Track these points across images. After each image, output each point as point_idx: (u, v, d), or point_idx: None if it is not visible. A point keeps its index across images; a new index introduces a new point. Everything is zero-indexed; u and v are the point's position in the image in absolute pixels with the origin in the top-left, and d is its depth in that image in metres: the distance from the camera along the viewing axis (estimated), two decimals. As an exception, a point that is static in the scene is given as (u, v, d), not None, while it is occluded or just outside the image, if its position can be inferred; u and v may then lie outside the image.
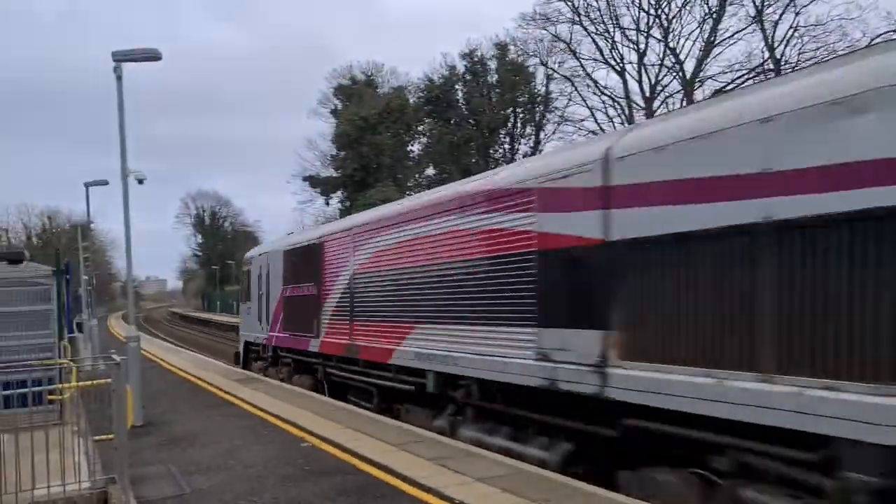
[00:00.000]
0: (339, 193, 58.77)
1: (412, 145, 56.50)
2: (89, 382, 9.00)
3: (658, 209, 6.97)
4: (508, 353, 9.26)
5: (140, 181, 21.71)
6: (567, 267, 8.24)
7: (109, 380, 8.40)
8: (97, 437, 9.17)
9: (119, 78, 13.25)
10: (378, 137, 51.67)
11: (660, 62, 42.18)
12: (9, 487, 7.50)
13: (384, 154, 51.96)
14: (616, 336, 7.48)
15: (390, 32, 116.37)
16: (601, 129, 44.34)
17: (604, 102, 44.94)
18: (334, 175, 58.08)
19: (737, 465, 6.38)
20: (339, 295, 15.02)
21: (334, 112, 59.58)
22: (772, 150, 5.92)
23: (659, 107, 42.65)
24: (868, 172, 5.21)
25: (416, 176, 55.87)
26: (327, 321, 15.60)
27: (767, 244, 5.92)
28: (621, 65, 43.58)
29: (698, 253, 6.55)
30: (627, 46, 43.37)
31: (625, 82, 43.41)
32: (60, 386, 10.12)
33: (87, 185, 31.85)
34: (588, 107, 45.46)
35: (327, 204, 61.50)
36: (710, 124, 6.58)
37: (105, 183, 30.64)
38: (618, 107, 44.30)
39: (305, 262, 17.24)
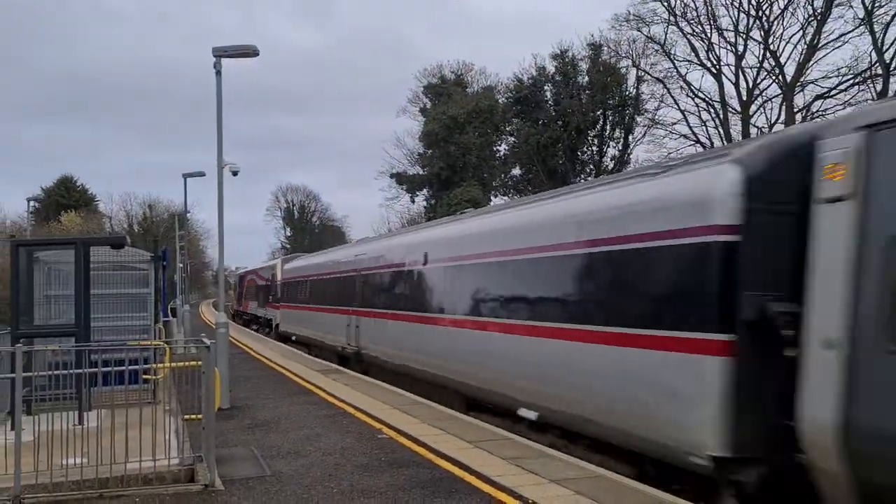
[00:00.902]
0: (424, 191, 59.35)
1: (499, 145, 56.45)
2: (182, 364, 9.37)
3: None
4: None
5: (234, 173, 22.56)
6: None
7: (200, 362, 8.76)
8: (186, 417, 9.58)
9: (218, 73, 13.79)
10: (465, 137, 51.84)
11: (759, 65, 40.70)
12: (104, 460, 7.90)
13: (471, 153, 52.09)
14: None
15: (470, 32, 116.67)
16: (693, 132, 43.21)
17: (697, 106, 43.71)
18: (421, 173, 58.66)
19: None
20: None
21: (423, 110, 60.16)
22: None
23: (756, 111, 41.25)
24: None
25: (502, 176, 55.78)
26: None
27: None
28: (717, 67, 42.29)
29: None
30: (725, 48, 42.07)
31: (720, 85, 42.11)
32: (156, 366, 10.58)
33: (185, 177, 33.28)
34: (680, 110, 44.32)
35: (412, 201, 62.25)
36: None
37: (202, 174, 31.94)
38: (712, 110, 43.05)
39: None
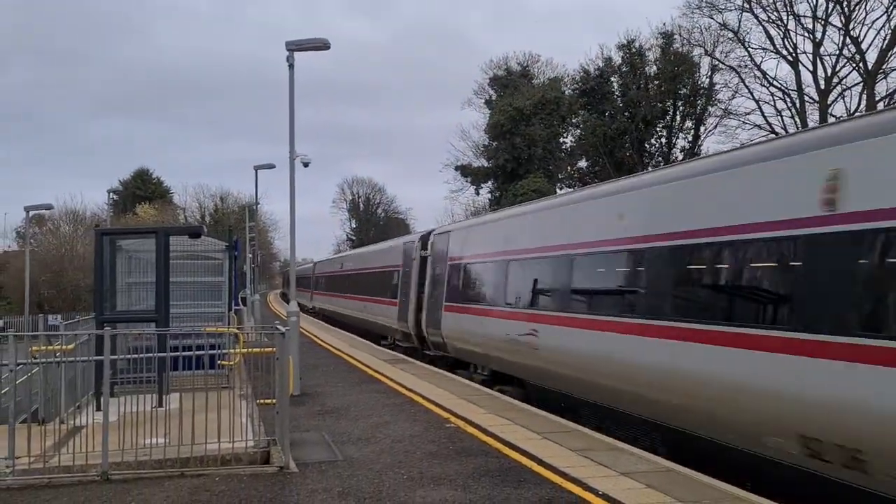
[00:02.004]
0: (489, 183, 59.25)
1: (565, 137, 55.90)
2: (257, 350, 9.64)
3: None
4: None
5: (306, 164, 23.01)
6: None
7: (274, 349, 9.00)
8: (260, 401, 9.85)
9: (291, 66, 14.06)
10: (531, 129, 51.47)
11: (838, 52, 39.21)
12: (184, 440, 8.21)
13: (537, 145, 51.71)
14: None
15: (526, 23, 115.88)
16: (768, 122, 41.92)
17: (772, 95, 42.41)
18: (486, 165, 58.56)
19: None
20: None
21: (488, 102, 60.00)
22: None
23: (835, 100, 39.75)
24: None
25: (568, 168, 55.25)
26: None
27: None
28: (794, 55, 40.92)
29: None
30: (802, 35, 40.68)
31: (797, 73, 40.73)
32: (231, 351, 10.91)
33: (256, 169, 34.03)
34: (755, 99, 43.06)
35: (477, 193, 62.20)
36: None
37: (272, 166, 32.63)
38: (787, 99, 41.69)
39: None
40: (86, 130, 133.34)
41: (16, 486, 7.50)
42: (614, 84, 50.56)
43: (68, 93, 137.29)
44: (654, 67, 48.85)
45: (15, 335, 8.40)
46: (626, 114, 48.79)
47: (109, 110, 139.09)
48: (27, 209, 38.78)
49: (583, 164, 54.83)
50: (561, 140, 55.57)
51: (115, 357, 8.77)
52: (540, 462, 8.44)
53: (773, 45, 41.61)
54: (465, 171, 61.66)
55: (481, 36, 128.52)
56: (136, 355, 9.95)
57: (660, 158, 49.37)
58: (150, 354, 9.23)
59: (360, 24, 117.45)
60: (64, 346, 9.84)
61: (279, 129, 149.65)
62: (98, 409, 10.15)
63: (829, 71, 39.78)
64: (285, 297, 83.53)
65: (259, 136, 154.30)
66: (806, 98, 40.40)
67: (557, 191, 51.47)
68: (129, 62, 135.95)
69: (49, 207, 42.37)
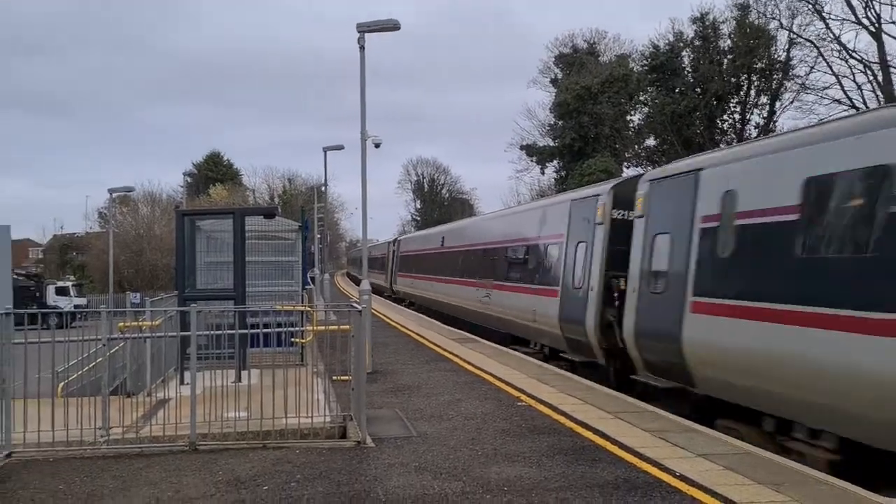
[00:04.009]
0: (554, 163, 58.69)
1: (632, 115, 54.84)
2: (334, 327, 9.85)
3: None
4: None
5: (377, 145, 23.23)
6: None
7: (348, 326, 9.18)
8: (336, 378, 10.08)
9: (362, 48, 14.20)
10: (599, 107, 50.67)
11: (926, 21, 37.27)
12: (264, 414, 8.50)
13: (604, 124, 50.91)
14: None
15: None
16: (847, 97, 40.21)
17: (852, 69, 40.65)
18: (551, 144, 58.00)
19: None
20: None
21: (554, 81, 59.32)
22: None
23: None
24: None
25: (636, 147, 54.23)
26: None
27: None
28: (877, 25, 39.04)
29: None
30: (886, 4, 38.77)
31: (880, 45, 38.87)
32: (307, 329, 11.17)
33: (325, 150, 34.48)
34: (834, 73, 41.34)
35: (542, 173, 61.73)
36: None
37: (341, 147, 33.01)
38: (869, 73, 39.90)
39: None
40: (153, 115, 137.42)
41: (110, 455, 7.91)
42: (685, 59, 49.19)
43: (133, 78, 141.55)
44: (729, 41, 47.34)
45: (109, 311, 8.79)
46: (697, 90, 47.48)
47: (167, 96, 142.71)
48: (111, 191, 40.31)
49: (651, 142, 53.75)
50: (628, 118, 54.56)
51: (200, 333, 9.09)
52: (614, 442, 8.42)
53: (855, 16, 39.80)
54: (530, 150, 61.21)
55: (525, 11, 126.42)
56: (221, 331, 10.29)
57: (732, 135, 47.98)
58: (231, 331, 9.52)
59: (406, 5, 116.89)
60: (151, 322, 10.27)
61: (337, 111, 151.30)
62: (182, 382, 10.59)
63: (916, 41, 37.90)
64: (351, 277, 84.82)
65: (317, 119, 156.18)
66: (892, 68, 38.57)
67: (624, 171, 50.65)
68: (185, 49, 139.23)
69: (131, 189, 43.99)
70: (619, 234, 13.46)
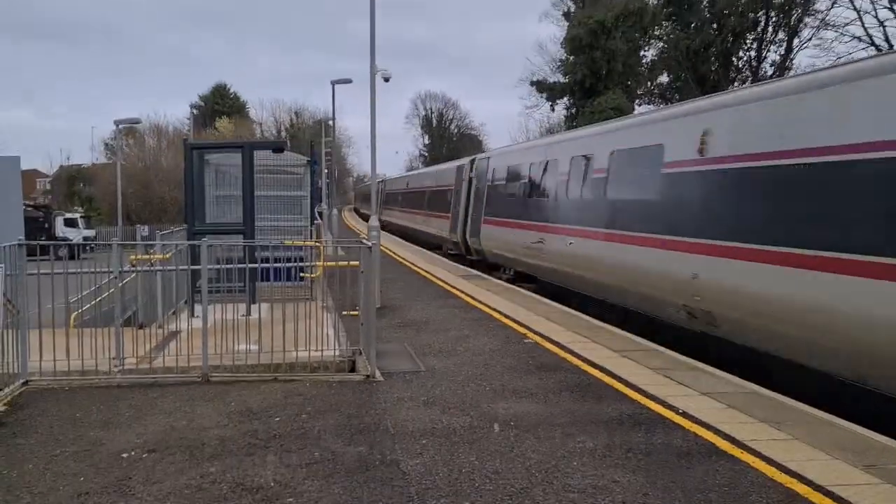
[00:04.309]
0: (564, 100, 57.91)
1: (646, 50, 53.81)
2: (344, 263, 9.89)
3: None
4: None
5: (386, 79, 22.90)
6: None
7: (358, 263, 9.22)
8: (346, 313, 10.19)
9: (372, -22, 13.86)
10: (612, 42, 49.67)
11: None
12: (274, 348, 8.62)
13: (617, 60, 49.98)
14: None
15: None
16: (868, 34, 39.29)
17: (874, 4, 39.58)
18: (562, 81, 57.11)
19: None
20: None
21: (566, 14, 58.01)
22: None
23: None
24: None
25: (648, 84, 53.37)
26: None
27: None
28: (902, -41, 37.88)
29: None
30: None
31: (905, -20, 37.81)
32: (316, 264, 11.24)
33: (333, 83, 34.11)
34: (855, 9, 40.32)
35: (552, 109, 60.99)
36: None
37: (349, 81, 32.60)
38: (892, 9, 38.83)
39: None
40: (160, 42, 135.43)
41: (125, 384, 8.07)
42: (703, -8, 48.05)
43: (131, 6, 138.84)
44: (748, -25, 46.08)
45: (120, 244, 8.84)
46: (714, 25, 46.49)
47: (172, 25, 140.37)
48: (117, 122, 40.09)
49: (664, 79, 52.90)
50: (642, 54, 53.55)
51: (211, 267, 9.16)
52: (619, 379, 8.53)
53: (881, -51, 38.58)
54: (540, 86, 60.34)
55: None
56: (228, 265, 10.36)
57: (747, 73, 47.15)
58: (242, 265, 9.58)
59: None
60: (162, 255, 10.33)
61: (347, 44, 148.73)
62: (193, 315, 10.72)
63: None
64: (358, 213, 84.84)
65: (326, 51, 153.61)
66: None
67: (636, 108, 49.95)
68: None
69: (137, 122, 43.69)
70: (470, 187, 25.29)
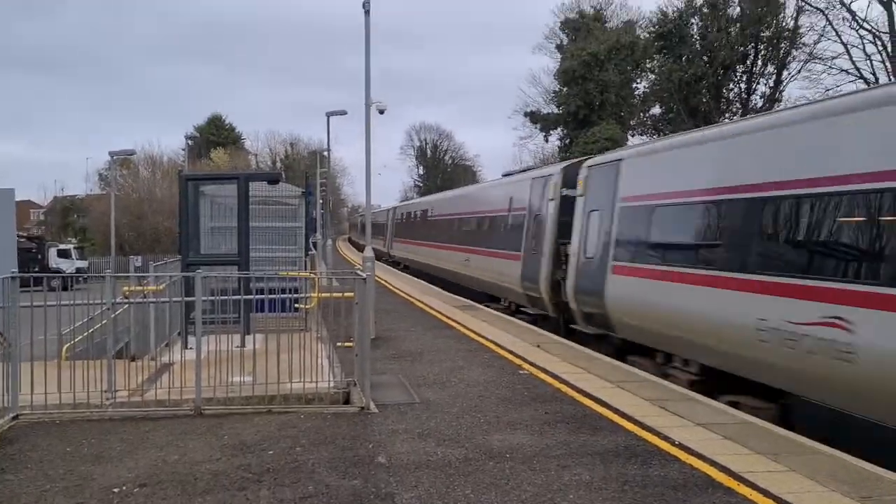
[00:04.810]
0: (558, 130, 58.34)
1: (638, 82, 54.38)
2: (338, 294, 9.88)
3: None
4: None
5: (381, 111, 23.07)
6: None
7: (352, 294, 9.21)
8: (340, 344, 10.14)
9: (367, 12, 14.04)
10: (605, 74, 50.19)
11: (938, -10, 36.73)
12: (268, 379, 8.56)
13: (610, 91, 50.45)
14: None
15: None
16: (856, 67, 39.81)
17: (861, 38, 40.15)
18: (556, 111, 57.59)
19: None
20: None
21: (559, 47, 58.69)
22: None
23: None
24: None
25: (641, 115, 53.85)
26: None
27: None
28: (888, -6, 38.53)
29: None
30: (898, -27, 38.17)
31: (890, 14, 38.37)
32: (311, 295, 11.21)
33: (328, 115, 34.28)
34: (843, 42, 40.85)
35: (546, 140, 61.44)
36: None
37: (344, 113, 32.80)
38: (878, 43, 39.41)
39: None
40: (154, 75, 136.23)
41: (117, 418, 7.99)
42: (693, 27, 48.64)
43: (124, 38, 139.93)
44: (738, 9, 46.76)
45: (113, 276, 8.82)
46: (705, 58, 47.02)
47: (167, 56, 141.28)
48: (112, 154, 40.16)
49: (656, 110, 53.38)
50: (634, 86, 54.10)
51: (205, 298, 9.12)
52: (615, 410, 8.50)
53: (866, -16, 39.26)
54: (534, 117, 60.84)
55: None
56: (222, 297, 10.33)
57: (738, 105, 47.64)
58: (237, 297, 9.56)
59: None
60: (155, 287, 10.30)
61: (341, 75, 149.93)
62: (186, 347, 10.66)
63: (927, 11, 37.41)
64: (353, 243, 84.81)
65: (321, 82, 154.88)
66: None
67: (629, 139, 50.34)
68: (186, 10, 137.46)
69: (132, 153, 43.80)
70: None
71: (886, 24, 38.65)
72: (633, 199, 12.95)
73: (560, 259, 16.22)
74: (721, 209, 10.42)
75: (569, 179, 16.41)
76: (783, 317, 8.54)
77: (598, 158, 15.58)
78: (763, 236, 9.45)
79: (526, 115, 61.97)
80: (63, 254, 48.24)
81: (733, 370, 9.83)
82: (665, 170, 12.33)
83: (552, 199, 17.02)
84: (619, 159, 13.94)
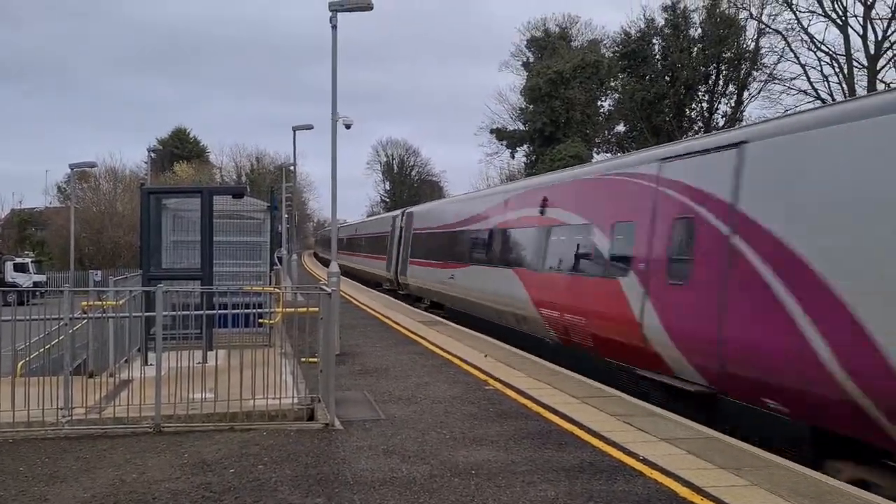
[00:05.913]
0: (524, 147, 58.83)
1: (603, 101, 55.15)
2: (303, 310, 9.78)
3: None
4: None
5: (347, 126, 23.05)
6: None
7: (317, 308, 9.12)
8: (304, 360, 10.03)
9: (334, 27, 14.02)
10: (570, 92, 50.81)
11: (890, 15, 37.91)
12: (230, 396, 8.42)
13: (575, 109, 51.07)
14: None
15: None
16: (814, 88, 40.86)
17: (819, 60, 41.27)
18: (522, 129, 58.10)
19: None
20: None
21: (526, 65, 59.34)
22: None
23: (885, 66, 38.56)
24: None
25: (605, 133, 54.56)
26: None
27: None
28: (843, 18, 39.65)
29: None
30: (852, -3, 39.35)
31: (846, 38, 39.53)
32: (275, 311, 11.09)
33: (294, 130, 34.15)
34: (801, 64, 41.95)
35: (513, 157, 61.91)
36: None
37: (310, 127, 32.71)
38: (835, 65, 40.54)
39: None
40: (116, 87, 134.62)
41: (73, 436, 7.79)
42: (656, 47, 49.52)
43: (88, 48, 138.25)
44: (699, 30, 47.75)
45: (72, 290, 8.62)
46: (667, 78, 47.87)
47: (130, 67, 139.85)
48: (72, 167, 39.42)
49: (621, 128, 54.14)
50: (599, 104, 54.84)
51: (167, 314, 8.98)
52: (580, 426, 8.51)
53: (822, 8, 40.40)
54: (500, 134, 61.33)
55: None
56: (187, 312, 10.16)
57: (700, 124, 48.50)
58: (199, 312, 9.41)
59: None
60: (114, 302, 10.09)
61: (306, 89, 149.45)
62: (146, 363, 10.44)
63: (880, 35, 38.59)
64: (317, 257, 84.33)
65: (286, 96, 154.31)
66: (854, 63, 39.29)
67: (595, 156, 50.92)
68: (150, 21, 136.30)
69: (93, 165, 43.01)
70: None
71: (843, 46, 39.80)
72: (417, 230, 28.45)
73: (398, 258, 31.23)
74: (447, 236, 23.41)
75: (404, 218, 31.42)
76: (446, 277, 22.51)
77: (410, 209, 33.08)
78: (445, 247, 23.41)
79: (492, 131, 62.45)
80: (20, 268, 47.19)
81: (439, 301, 24.48)
82: (431, 216, 27.26)
83: (394, 228, 32.91)
84: (412, 211, 31.11)
